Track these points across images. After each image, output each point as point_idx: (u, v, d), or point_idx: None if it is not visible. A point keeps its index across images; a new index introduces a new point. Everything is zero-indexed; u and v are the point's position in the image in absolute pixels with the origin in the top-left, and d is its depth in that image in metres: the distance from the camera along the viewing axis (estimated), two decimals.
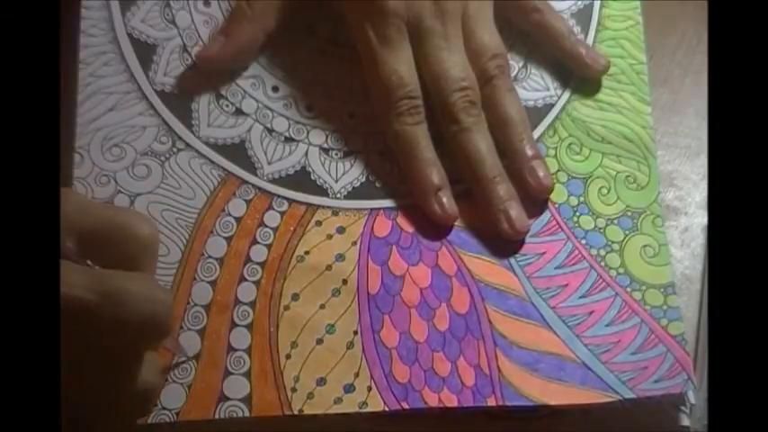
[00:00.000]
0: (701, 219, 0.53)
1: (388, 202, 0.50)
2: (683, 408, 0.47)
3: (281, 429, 0.45)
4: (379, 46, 0.51)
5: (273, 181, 0.50)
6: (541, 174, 0.50)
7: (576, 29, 0.55)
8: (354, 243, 0.49)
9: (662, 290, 0.49)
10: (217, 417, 0.44)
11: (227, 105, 0.52)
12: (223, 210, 0.49)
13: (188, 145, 0.51)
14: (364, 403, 0.45)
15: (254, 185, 0.50)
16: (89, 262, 0.39)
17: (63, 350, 0.36)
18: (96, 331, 0.37)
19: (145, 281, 0.39)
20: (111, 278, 0.38)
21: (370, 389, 0.45)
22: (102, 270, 0.39)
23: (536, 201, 0.50)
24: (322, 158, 0.51)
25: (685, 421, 0.47)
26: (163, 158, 0.50)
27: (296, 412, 0.45)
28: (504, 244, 0.49)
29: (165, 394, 0.44)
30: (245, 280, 0.48)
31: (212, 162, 0.50)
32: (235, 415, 0.44)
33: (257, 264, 0.48)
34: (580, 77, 0.54)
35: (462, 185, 0.51)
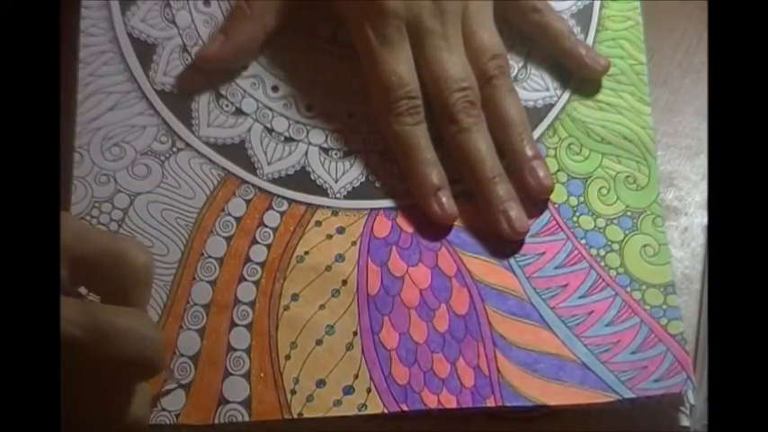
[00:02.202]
0: (701, 219, 0.53)
1: (387, 203, 0.50)
2: (682, 408, 0.47)
3: (280, 427, 0.45)
4: (378, 46, 0.51)
5: (273, 181, 0.50)
6: (541, 174, 0.50)
7: (576, 29, 0.55)
8: (354, 243, 0.49)
9: (662, 289, 0.49)
10: (216, 422, 0.44)
11: (226, 105, 0.52)
12: (223, 209, 0.49)
13: (188, 144, 0.51)
14: (363, 405, 0.45)
15: (253, 185, 0.50)
16: (82, 290, 0.39)
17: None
18: (85, 365, 0.37)
19: (135, 318, 0.38)
20: (101, 314, 0.37)
21: (369, 390, 0.45)
22: (93, 304, 0.39)
23: (536, 201, 0.50)
24: (322, 158, 0.51)
25: (685, 421, 0.47)
26: (163, 158, 0.50)
27: (295, 416, 0.45)
28: (503, 244, 0.49)
29: (164, 395, 0.44)
30: (245, 280, 0.48)
31: (212, 162, 0.50)
32: (234, 419, 0.44)
33: (257, 264, 0.48)
34: (580, 78, 0.54)
35: (462, 185, 0.51)
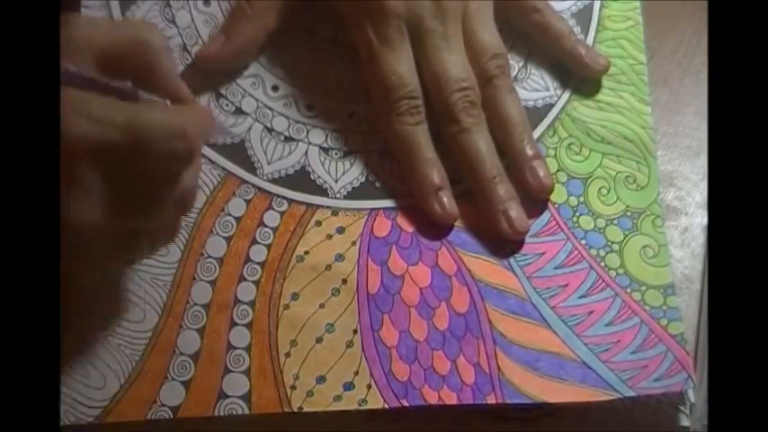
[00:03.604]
0: (700, 219, 0.53)
1: (387, 202, 0.50)
2: (682, 408, 0.47)
3: (280, 427, 0.46)
4: (379, 46, 0.51)
5: (273, 181, 0.50)
6: (542, 174, 0.50)
7: (576, 29, 0.55)
8: (354, 243, 0.49)
9: (661, 290, 0.49)
10: (216, 414, 0.44)
11: (226, 105, 0.52)
12: (223, 209, 0.49)
13: None
14: (364, 401, 0.45)
15: (253, 185, 0.50)
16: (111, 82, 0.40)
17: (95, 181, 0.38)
18: (124, 162, 0.39)
19: (169, 110, 0.42)
20: (133, 111, 0.39)
21: (369, 387, 0.45)
22: (125, 104, 0.40)
23: (536, 201, 0.51)
24: (322, 158, 0.51)
25: (685, 421, 0.47)
26: None
27: (295, 409, 0.45)
28: (503, 244, 0.50)
29: (164, 391, 0.44)
30: (245, 279, 0.48)
31: (212, 162, 0.50)
32: (234, 412, 0.44)
33: (257, 263, 0.48)
34: (580, 77, 0.54)
35: (462, 185, 0.51)
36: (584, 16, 0.56)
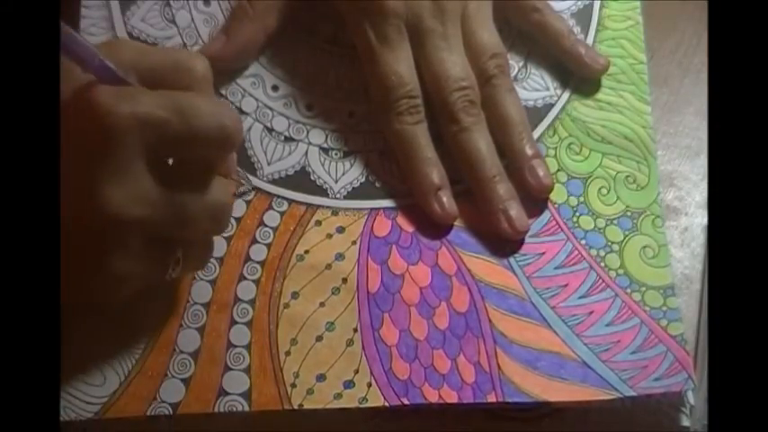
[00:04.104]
0: (701, 219, 0.53)
1: (387, 202, 0.50)
2: (682, 408, 0.47)
3: (280, 424, 0.46)
4: (378, 45, 0.51)
5: (273, 181, 0.50)
6: (541, 173, 0.50)
7: (576, 29, 0.55)
8: (354, 242, 0.49)
9: (661, 291, 0.49)
10: (216, 411, 0.44)
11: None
12: (253, 187, 0.49)
13: None
14: (364, 399, 0.45)
15: (253, 186, 0.50)
16: None
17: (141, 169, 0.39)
18: (172, 147, 0.41)
19: (210, 98, 0.43)
20: (181, 96, 0.41)
21: (369, 385, 0.45)
22: (170, 91, 0.41)
23: (536, 200, 0.50)
24: (322, 158, 0.51)
25: (685, 421, 0.47)
26: None
27: (296, 407, 0.45)
28: (503, 244, 0.50)
29: (164, 388, 0.45)
30: (245, 279, 0.48)
31: None
32: (234, 409, 0.44)
33: (257, 263, 0.48)
34: (580, 77, 0.54)
35: (462, 185, 0.51)
36: (584, 16, 0.56)
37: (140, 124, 0.39)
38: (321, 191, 0.50)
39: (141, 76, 0.41)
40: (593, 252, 0.50)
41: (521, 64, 0.55)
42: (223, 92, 0.52)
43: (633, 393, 0.46)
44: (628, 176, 0.52)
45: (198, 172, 0.42)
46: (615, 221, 0.50)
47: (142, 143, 0.39)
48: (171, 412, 0.44)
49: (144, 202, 0.39)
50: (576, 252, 0.50)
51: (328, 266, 0.48)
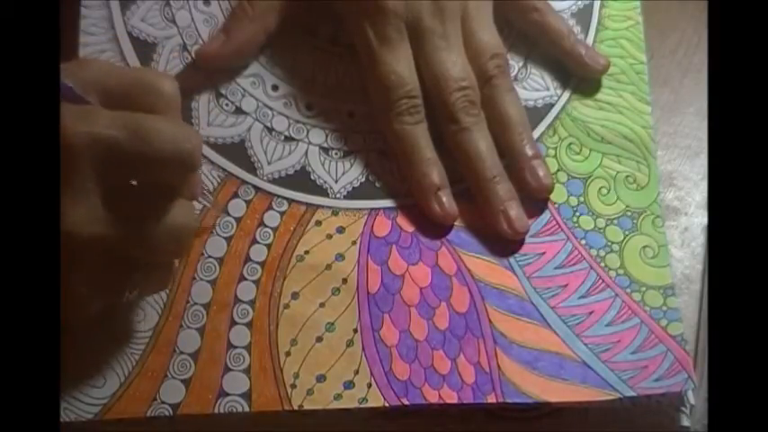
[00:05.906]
0: (701, 219, 0.53)
1: (387, 202, 0.50)
2: (682, 408, 0.47)
3: (280, 425, 0.46)
4: (378, 45, 0.51)
5: (273, 181, 0.50)
6: (541, 173, 0.50)
7: (576, 29, 0.55)
8: (354, 243, 0.49)
9: (661, 291, 0.49)
10: (216, 411, 0.44)
11: (226, 104, 0.52)
12: (223, 210, 0.49)
13: None
14: (364, 399, 0.45)
15: (253, 186, 0.50)
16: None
17: (97, 189, 0.38)
18: (128, 169, 0.40)
19: (171, 119, 0.41)
20: (138, 117, 0.40)
21: (369, 385, 0.45)
22: (129, 112, 0.40)
23: (536, 201, 0.50)
24: (322, 158, 0.51)
25: (685, 421, 0.47)
26: None
27: (296, 407, 0.45)
28: (503, 244, 0.49)
29: (164, 389, 0.45)
30: (245, 279, 0.48)
31: (212, 162, 0.50)
32: (234, 410, 0.44)
33: (257, 263, 0.48)
34: (580, 77, 0.54)
35: (462, 185, 0.50)
36: (584, 16, 0.56)
37: (93, 143, 0.38)
38: (321, 191, 0.50)
39: (106, 95, 0.41)
40: (593, 252, 0.50)
41: (521, 64, 0.55)
42: (223, 91, 0.52)
43: (633, 393, 0.46)
44: (628, 176, 0.52)
45: (158, 194, 0.41)
46: (615, 221, 0.50)
47: (96, 162, 0.38)
48: (171, 413, 0.44)
49: (98, 222, 0.39)
50: (576, 252, 0.50)
51: (328, 267, 0.48)
